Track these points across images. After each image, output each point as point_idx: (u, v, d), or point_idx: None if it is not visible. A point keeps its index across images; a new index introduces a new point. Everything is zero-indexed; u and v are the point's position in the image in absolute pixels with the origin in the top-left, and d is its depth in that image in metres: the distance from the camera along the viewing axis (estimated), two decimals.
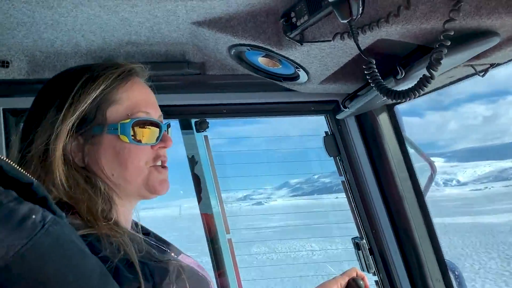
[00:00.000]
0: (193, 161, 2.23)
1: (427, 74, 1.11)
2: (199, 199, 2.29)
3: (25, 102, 1.79)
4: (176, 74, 1.75)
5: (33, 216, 0.64)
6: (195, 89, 1.84)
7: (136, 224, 1.24)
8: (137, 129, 1.12)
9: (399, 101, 1.18)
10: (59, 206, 0.99)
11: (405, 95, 1.15)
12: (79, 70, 1.15)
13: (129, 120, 1.11)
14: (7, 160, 0.66)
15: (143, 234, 1.19)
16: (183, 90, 1.84)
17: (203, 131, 2.03)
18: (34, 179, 0.69)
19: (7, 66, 1.65)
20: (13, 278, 0.61)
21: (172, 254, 1.17)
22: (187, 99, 1.87)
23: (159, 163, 1.17)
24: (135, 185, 1.13)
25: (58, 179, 1.03)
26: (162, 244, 1.20)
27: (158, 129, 1.16)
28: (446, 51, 1.08)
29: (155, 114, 1.19)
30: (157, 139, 1.16)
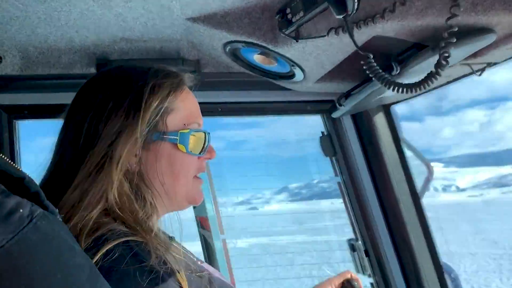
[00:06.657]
0: None
1: (434, 71, 1.11)
2: None
3: (18, 98, 1.79)
4: None
5: (21, 210, 0.61)
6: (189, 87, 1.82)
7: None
8: (192, 139, 1.11)
9: (402, 93, 1.17)
10: (105, 214, 0.97)
11: (410, 88, 1.15)
12: (142, 73, 1.12)
13: (188, 130, 1.10)
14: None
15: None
16: None
17: None
18: (26, 174, 0.67)
19: (0, 62, 1.63)
20: None
21: (199, 263, 1.16)
22: None
23: (199, 174, 1.17)
24: (180, 196, 1.12)
25: (115, 185, 0.98)
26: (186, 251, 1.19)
27: (206, 140, 1.15)
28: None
29: (202, 123, 1.18)
30: (204, 150, 1.15)
